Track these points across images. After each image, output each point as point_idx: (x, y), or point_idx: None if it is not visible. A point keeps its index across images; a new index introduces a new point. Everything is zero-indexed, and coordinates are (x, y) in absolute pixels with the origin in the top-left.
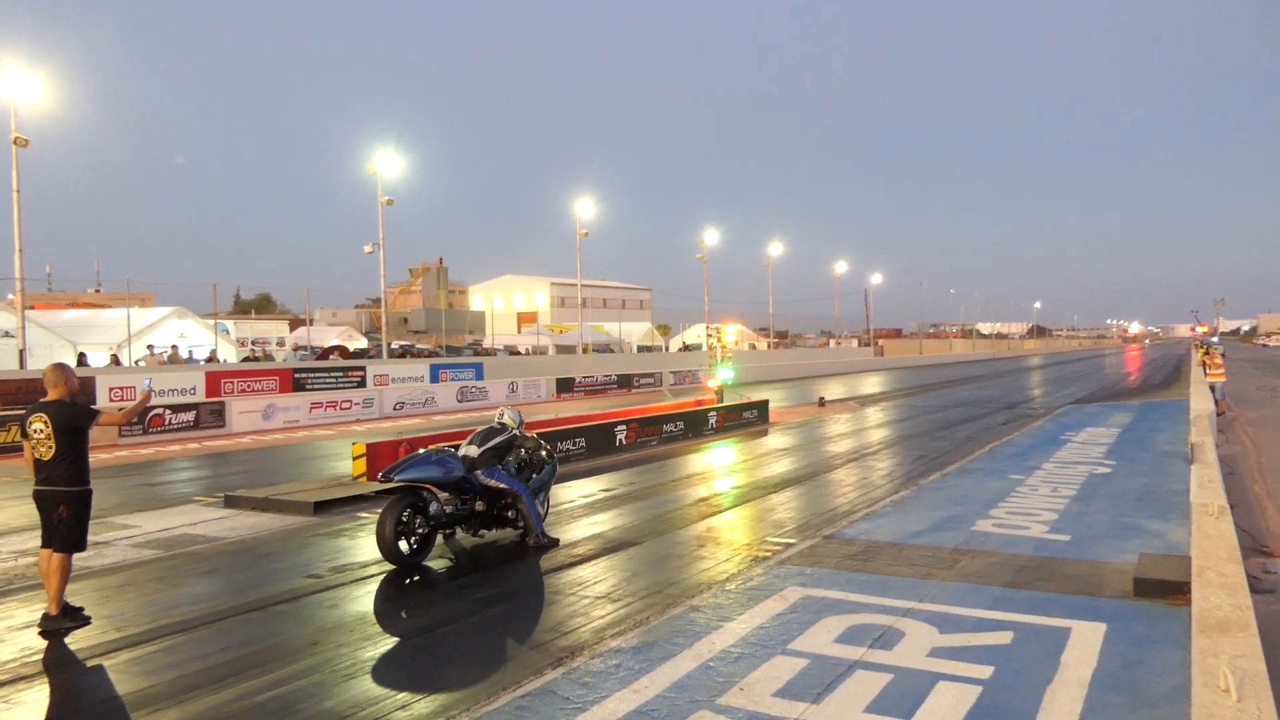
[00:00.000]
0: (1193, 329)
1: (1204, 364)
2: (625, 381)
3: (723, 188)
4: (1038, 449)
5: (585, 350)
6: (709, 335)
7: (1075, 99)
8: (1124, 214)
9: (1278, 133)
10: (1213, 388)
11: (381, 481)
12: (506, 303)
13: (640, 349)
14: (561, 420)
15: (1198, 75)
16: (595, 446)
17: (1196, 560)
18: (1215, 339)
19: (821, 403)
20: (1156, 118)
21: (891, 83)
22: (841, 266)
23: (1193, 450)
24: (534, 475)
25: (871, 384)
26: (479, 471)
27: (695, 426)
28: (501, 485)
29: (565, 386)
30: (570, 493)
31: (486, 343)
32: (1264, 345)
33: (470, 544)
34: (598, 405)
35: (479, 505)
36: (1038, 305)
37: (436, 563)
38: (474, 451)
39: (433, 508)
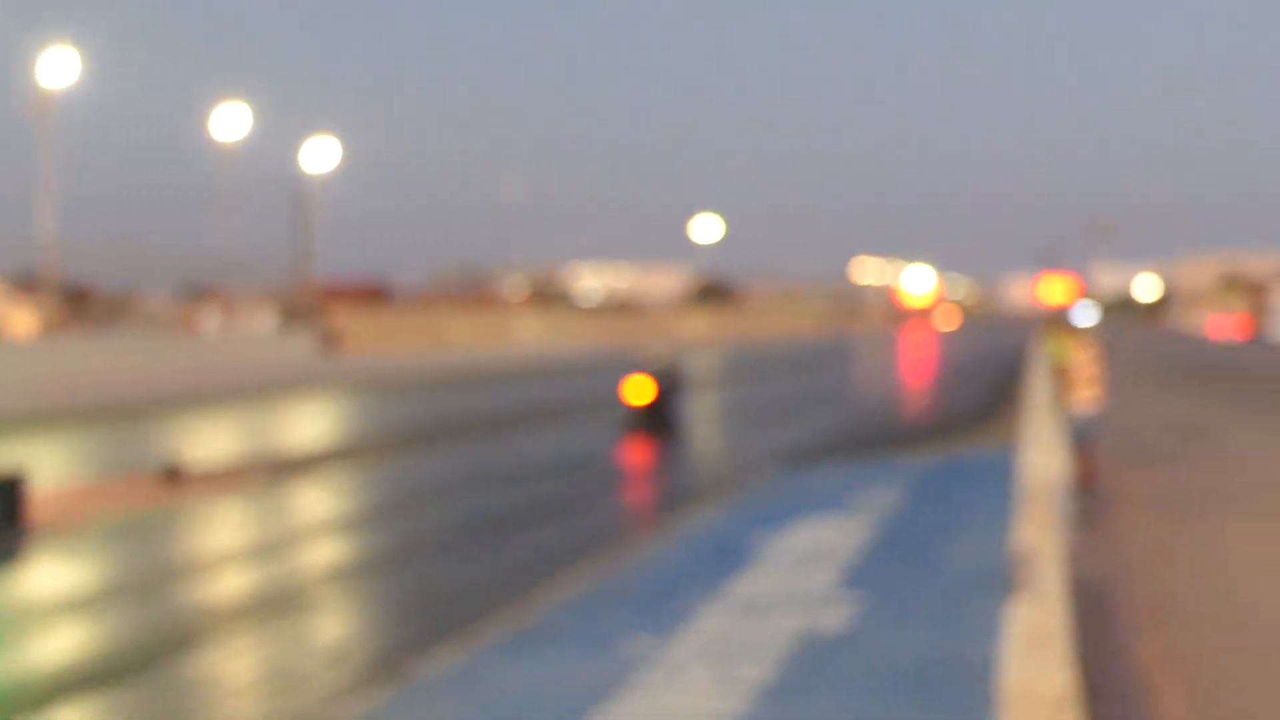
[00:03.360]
0: (1036, 287)
1: (1063, 371)
2: None
3: None
4: (692, 576)
5: None
6: None
7: None
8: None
9: None
10: (1075, 422)
11: None
12: None
13: None
14: None
15: None
16: None
17: None
18: (1086, 311)
19: (173, 475)
20: None
21: None
22: (234, 119)
23: (1017, 568)
24: None
25: (310, 424)
26: None
27: None
28: None
29: None
30: None
31: None
32: (1185, 334)
33: None
34: None
35: None
36: (714, 235)
37: None
38: None
39: None
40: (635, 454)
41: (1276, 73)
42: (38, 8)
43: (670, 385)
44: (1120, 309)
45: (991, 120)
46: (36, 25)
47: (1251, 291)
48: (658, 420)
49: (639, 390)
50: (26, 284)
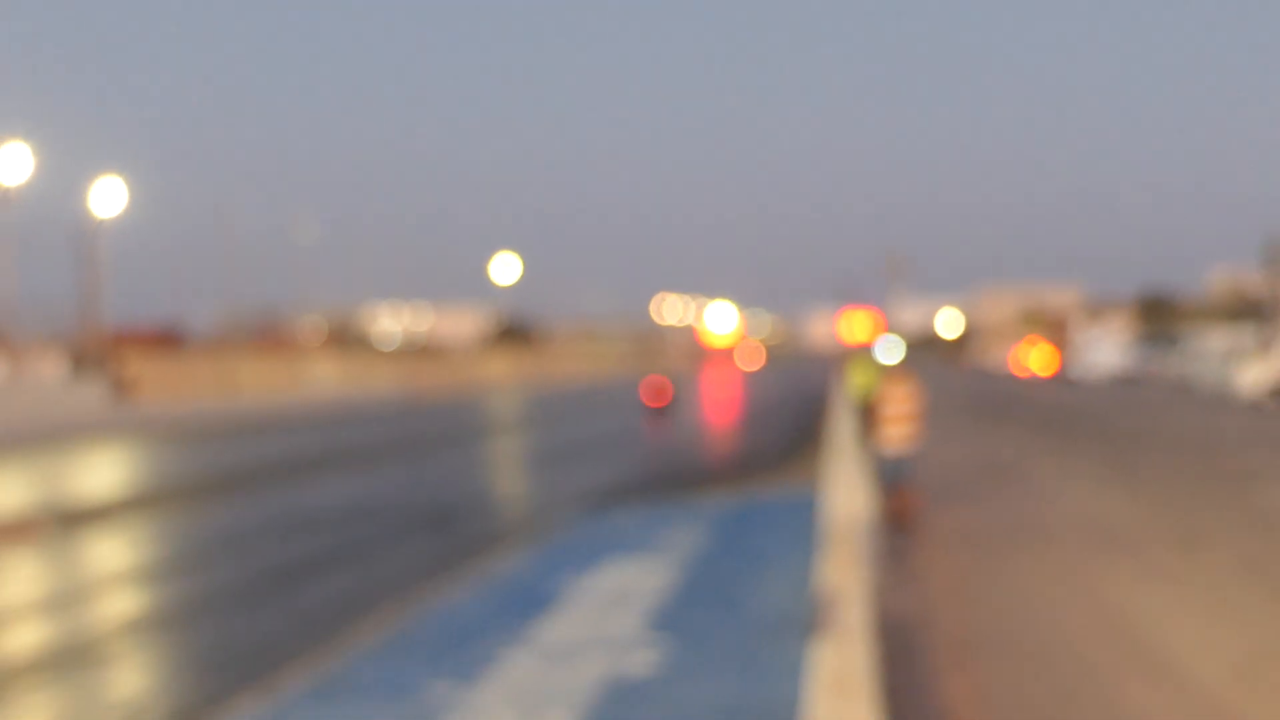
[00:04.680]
0: (838, 323)
1: (869, 408)
2: None
3: None
4: (496, 622)
5: None
6: None
7: None
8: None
9: None
10: (886, 460)
11: None
12: None
13: None
14: None
15: None
16: None
17: None
18: (890, 347)
19: None
20: None
21: None
22: (16, 160)
23: (821, 609)
24: None
25: (102, 474)
26: None
27: None
28: None
29: None
30: None
31: None
32: (989, 370)
33: None
34: None
35: None
36: (513, 274)
37: None
38: None
39: None
40: (434, 498)
41: (1069, 106)
42: None
43: (677, 389)
44: (924, 345)
45: (789, 151)
46: None
47: (1053, 326)
48: (668, 415)
49: (660, 393)
50: None
